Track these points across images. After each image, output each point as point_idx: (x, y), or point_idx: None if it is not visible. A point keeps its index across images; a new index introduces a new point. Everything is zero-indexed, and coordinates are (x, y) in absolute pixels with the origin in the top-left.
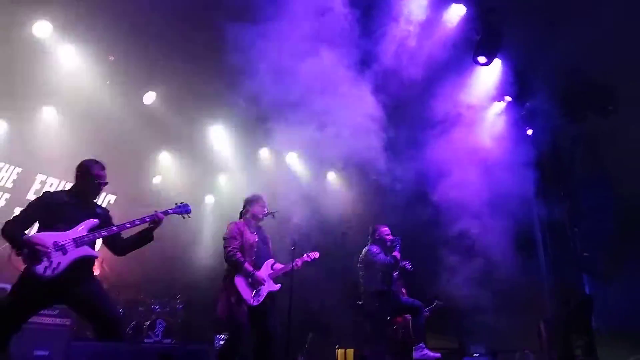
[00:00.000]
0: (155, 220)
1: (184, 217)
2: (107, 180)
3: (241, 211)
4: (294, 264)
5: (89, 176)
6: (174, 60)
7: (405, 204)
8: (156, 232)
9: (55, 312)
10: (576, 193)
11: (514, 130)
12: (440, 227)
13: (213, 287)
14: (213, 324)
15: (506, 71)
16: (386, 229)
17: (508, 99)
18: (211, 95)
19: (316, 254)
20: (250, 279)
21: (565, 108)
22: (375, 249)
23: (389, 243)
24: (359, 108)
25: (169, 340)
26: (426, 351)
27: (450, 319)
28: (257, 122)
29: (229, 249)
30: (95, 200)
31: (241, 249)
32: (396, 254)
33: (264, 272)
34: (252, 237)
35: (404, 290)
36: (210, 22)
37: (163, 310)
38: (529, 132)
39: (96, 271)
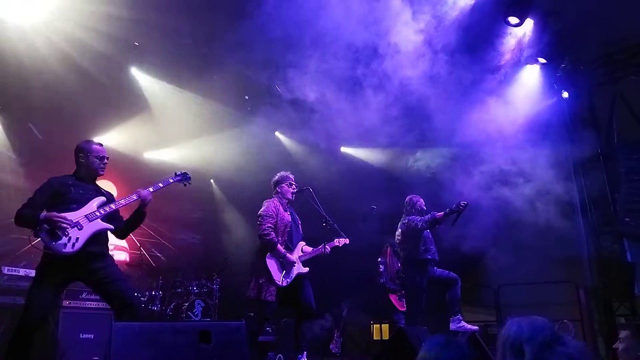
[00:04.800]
0: (142, 198)
1: (184, 185)
2: (107, 155)
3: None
4: (323, 248)
5: (89, 155)
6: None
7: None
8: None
9: (98, 297)
10: (615, 156)
11: (549, 93)
12: (474, 195)
13: (247, 266)
14: (249, 303)
15: (539, 32)
16: (422, 200)
17: (542, 60)
18: None
19: (346, 240)
20: (281, 260)
21: (602, 68)
22: (416, 217)
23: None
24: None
25: (207, 320)
26: (463, 323)
27: (486, 292)
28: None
29: (264, 227)
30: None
31: (275, 228)
32: (437, 214)
33: (295, 254)
34: (286, 216)
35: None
36: None
37: (201, 291)
38: (565, 94)
39: (129, 257)
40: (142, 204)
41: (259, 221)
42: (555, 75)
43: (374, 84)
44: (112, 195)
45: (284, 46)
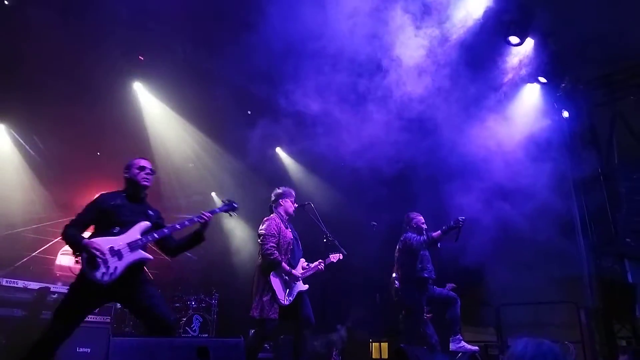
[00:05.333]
0: (204, 220)
1: (230, 215)
2: (151, 168)
3: (270, 205)
4: (317, 266)
5: (131, 167)
6: None
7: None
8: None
9: (96, 311)
10: (616, 176)
11: (550, 112)
12: (475, 212)
13: (246, 282)
14: (247, 319)
15: (539, 51)
16: (421, 217)
17: (542, 80)
18: None
19: (340, 256)
20: (287, 278)
21: (602, 88)
22: (411, 235)
23: (424, 232)
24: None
25: (205, 336)
26: (463, 343)
27: (487, 311)
28: None
29: (267, 246)
30: (145, 197)
31: (278, 246)
32: (434, 233)
33: (297, 271)
34: (288, 234)
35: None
36: None
37: (199, 306)
38: (565, 114)
39: None
40: (204, 227)
41: (262, 240)
42: (555, 95)
43: (377, 98)
44: (160, 216)
45: (287, 60)
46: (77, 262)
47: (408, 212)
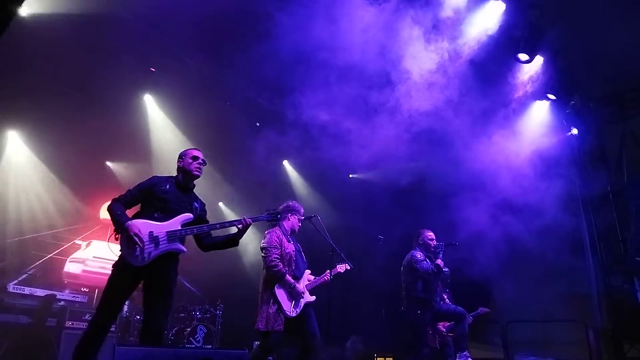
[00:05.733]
0: (244, 225)
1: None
2: (203, 159)
3: (277, 215)
4: (325, 276)
5: (184, 156)
6: None
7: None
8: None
9: None
10: (625, 194)
11: (559, 129)
12: (483, 227)
13: (251, 294)
14: (251, 331)
15: (549, 68)
16: (430, 233)
17: (551, 97)
18: None
19: (346, 266)
20: (290, 291)
21: (612, 106)
22: (419, 255)
23: (432, 248)
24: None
25: (209, 347)
26: None
27: (494, 328)
28: None
29: (271, 258)
30: (193, 187)
31: (281, 259)
32: (439, 261)
33: (302, 283)
34: (289, 246)
35: (445, 297)
36: None
37: (204, 317)
38: (574, 131)
39: None
40: (241, 232)
41: (265, 253)
42: (564, 112)
43: (385, 112)
44: (204, 209)
45: (295, 72)
46: (115, 238)
47: (419, 228)
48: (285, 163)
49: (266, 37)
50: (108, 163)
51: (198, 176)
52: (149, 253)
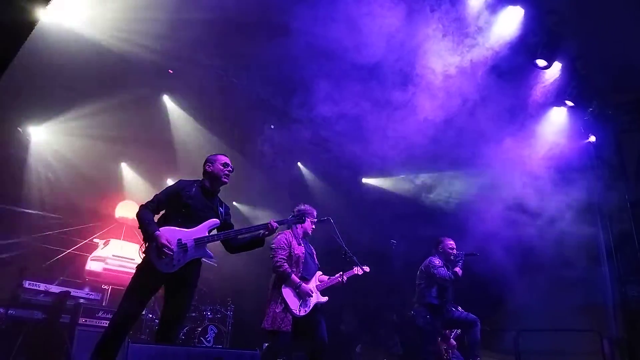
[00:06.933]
0: (269, 229)
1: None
2: (231, 166)
3: (302, 217)
4: (340, 278)
5: (214, 162)
6: None
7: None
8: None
9: None
10: None
11: (577, 136)
12: (499, 236)
13: (262, 295)
14: (261, 333)
15: (567, 74)
16: (451, 242)
17: (570, 103)
18: None
19: (367, 268)
20: (297, 290)
21: (631, 114)
22: (437, 261)
23: (452, 257)
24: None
25: (220, 346)
26: None
27: (506, 336)
28: None
29: (277, 258)
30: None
31: (288, 259)
32: (458, 269)
33: (311, 284)
34: (299, 249)
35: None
36: None
37: (215, 317)
38: (592, 138)
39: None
40: (267, 234)
41: (272, 253)
42: (583, 119)
43: (404, 114)
44: (229, 210)
45: (310, 75)
46: (141, 248)
47: (440, 236)
48: (300, 165)
49: (283, 36)
50: (123, 164)
51: (226, 183)
52: (178, 260)
